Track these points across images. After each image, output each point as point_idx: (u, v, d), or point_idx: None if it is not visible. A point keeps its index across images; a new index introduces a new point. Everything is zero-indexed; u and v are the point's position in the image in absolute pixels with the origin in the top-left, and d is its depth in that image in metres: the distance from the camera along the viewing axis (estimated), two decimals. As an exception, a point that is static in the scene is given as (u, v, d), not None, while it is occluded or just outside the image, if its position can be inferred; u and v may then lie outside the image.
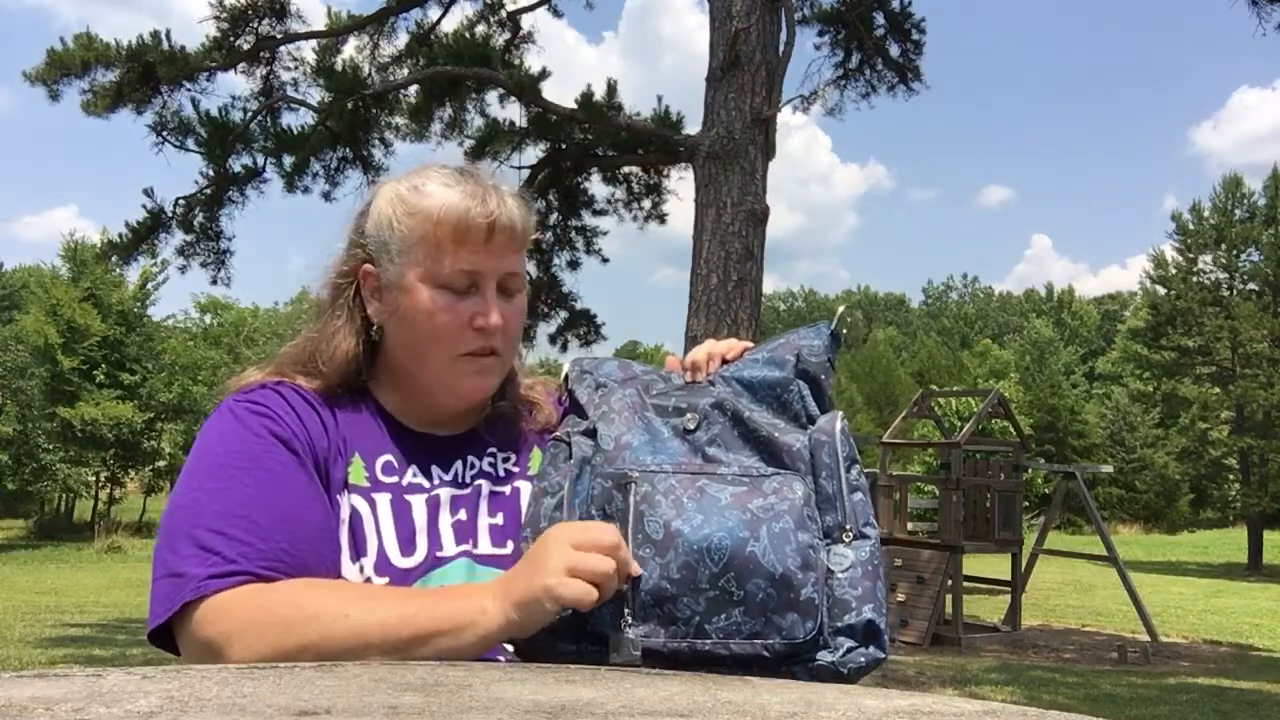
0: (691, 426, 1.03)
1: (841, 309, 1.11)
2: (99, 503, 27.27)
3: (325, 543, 0.99)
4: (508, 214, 1.07)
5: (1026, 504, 18.92)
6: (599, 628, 0.91)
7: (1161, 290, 30.82)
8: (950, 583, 10.33)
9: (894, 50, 8.89)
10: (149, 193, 8.60)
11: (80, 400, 23.48)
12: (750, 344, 1.13)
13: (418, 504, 1.07)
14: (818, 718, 0.63)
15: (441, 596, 0.95)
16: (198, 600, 0.91)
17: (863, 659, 0.92)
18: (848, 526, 0.96)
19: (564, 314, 9.57)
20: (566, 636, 0.92)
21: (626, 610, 0.91)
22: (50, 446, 23.59)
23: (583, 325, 9.55)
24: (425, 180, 1.09)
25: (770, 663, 0.90)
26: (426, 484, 1.09)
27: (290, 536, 0.96)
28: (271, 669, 0.73)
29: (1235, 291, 29.25)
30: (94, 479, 26.35)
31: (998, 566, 12.45)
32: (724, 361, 1.10)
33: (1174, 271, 30.57)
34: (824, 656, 0.92)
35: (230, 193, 8.71)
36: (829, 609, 0.93)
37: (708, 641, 0.90)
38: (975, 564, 13.63)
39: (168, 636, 0.95)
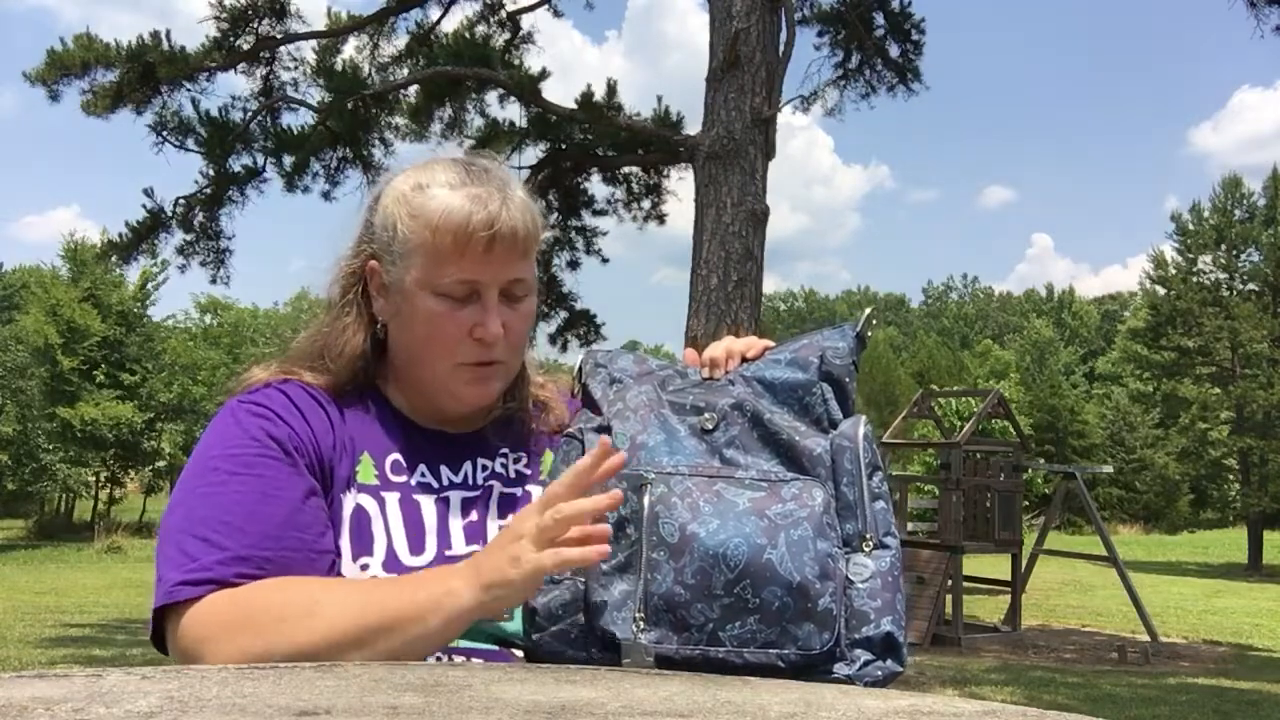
0: (710, 426, 1.00)
1: (868, 310, 1.08)
2: (99, 503, 27.28)
3: (315, 548, 0.97)
4: (510, 220, 1.01)
5: (1026, 504, 18.91)
6: (610, 632, 0.89)
7: (1161, 290, 30.80)
8: (950, 583, 10.33)
9: (894, 50, 8.89)
10: (149, 193, 8.63)
11: (80, 400, 23.49)
12: (771, 343, 1.09)
13: (427, 504, 1.06)
14: (818, 718, 0.63)
15: (409, 581, 0.92)
16: (176, 607, 0.91)
17: (880, 673, 0.90)
18: (868, 535, 0.93)
19: (564, 314, 9.57)
20: (577, 643, 0.90)
21: (638, 616, 0.89)
22: (50, 446, 23.61)
23: (583, 325, 9.54)
24: (431, 179, 1.04)
25: (785, 673, 0.88)
26: (435, 484, 1.08)
27: (276, 542, 0.94)
28: (272, 669, 0.73)
29: (1235, 292, 29.25)
30: (94, 479, 26.38)
31: (998, 567, 12.44)
32: (743, 360, 1.07)
33: (1174, 272, 30.55)
34: (840, 669, 0.89)
35: (230, 193, 8.72)
36: (847, 620, 0.90)
37: (721, 649, 0.88)
38: (975, 564, 13.62)
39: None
